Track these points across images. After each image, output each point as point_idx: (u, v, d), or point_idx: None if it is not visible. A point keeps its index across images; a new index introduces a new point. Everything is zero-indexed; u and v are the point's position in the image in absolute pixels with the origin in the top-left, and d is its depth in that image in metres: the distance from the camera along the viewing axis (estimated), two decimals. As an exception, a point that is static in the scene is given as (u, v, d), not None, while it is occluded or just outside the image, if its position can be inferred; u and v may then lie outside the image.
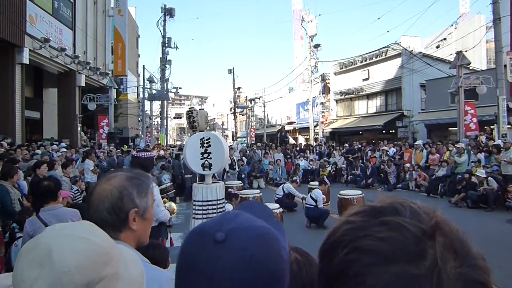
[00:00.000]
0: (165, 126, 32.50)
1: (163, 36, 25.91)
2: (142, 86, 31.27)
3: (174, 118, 69.82)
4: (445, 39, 25.60)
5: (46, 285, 0.67)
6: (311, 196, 8.29)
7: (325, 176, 13.86)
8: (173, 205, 4.99)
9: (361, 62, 27.73)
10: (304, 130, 32.21)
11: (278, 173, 15.59)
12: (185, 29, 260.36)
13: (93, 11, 24.19)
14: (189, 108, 10.06)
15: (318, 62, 27.20)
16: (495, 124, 14.18)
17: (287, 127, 30.83)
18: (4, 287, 0.79)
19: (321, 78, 30.71)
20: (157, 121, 36.30)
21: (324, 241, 0.53)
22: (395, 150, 15.69)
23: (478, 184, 9.99)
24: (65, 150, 13.09)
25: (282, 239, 0.67)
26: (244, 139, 39.65)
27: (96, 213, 1.20)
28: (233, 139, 39.48)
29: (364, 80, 27.65)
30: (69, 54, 19.13)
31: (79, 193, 7.49)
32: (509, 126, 13.89)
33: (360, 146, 17.40)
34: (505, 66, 14.27)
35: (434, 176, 12.35)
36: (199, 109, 9.79)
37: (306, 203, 8.36)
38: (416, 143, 15.04)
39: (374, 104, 27.96)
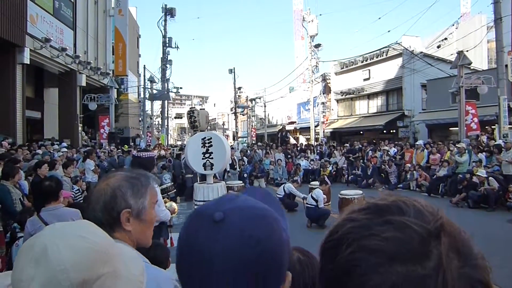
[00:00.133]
0: (166, 126, 32.57)
1: (164, 36, 25.93)
2: (143, 86, 31.32)
3: (175, 118, 69.71)
4: (446, 39, 25.51)
5: (42, 283, 0.67)
6: (312, 196, 8.28)
7: (326, 176, 13.90)
8: (174, 205, 4.98)
9: (362, 62, 27.68)
10: (305, 130, 32.19)
11: (279, 173, 15.59)
12: (186, 29, 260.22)
13: (94, 11, 24.19)
14: (190, 108, 10.09)
15: (319, 62, 27.24)
16: (496, 124, 14.18)
17: (288, 127, 30.79)
18: (4, 287, 0.79)
19: (322, 78, 30.69)
20: (158, 121, 36.32)
21: (326, 238, 0.52)
22: (396, 150, 15.66)
23: (479, 184, 9.98)
24: (66, 150, 13.09)
25: (283, 221, 0.67)
26: (244, 139, 39.61)
27: (91, 211, 1.19)
28: (234, 139, 39.44)
29: (365, 80, 27.60)
30: (70, 54, 19.12)
31: (80, 193, 7.51)
32: (510, 126, 13.86)
33: (361, 146, 17.35)
34: (506, 66, 14.24)
35: (435, 176, 12.34)
36: (200, 109, 9.83)
37: (307, 203, 8.36)
38: (417, 143, 15.05)
39: (375, 104, 27.92)
